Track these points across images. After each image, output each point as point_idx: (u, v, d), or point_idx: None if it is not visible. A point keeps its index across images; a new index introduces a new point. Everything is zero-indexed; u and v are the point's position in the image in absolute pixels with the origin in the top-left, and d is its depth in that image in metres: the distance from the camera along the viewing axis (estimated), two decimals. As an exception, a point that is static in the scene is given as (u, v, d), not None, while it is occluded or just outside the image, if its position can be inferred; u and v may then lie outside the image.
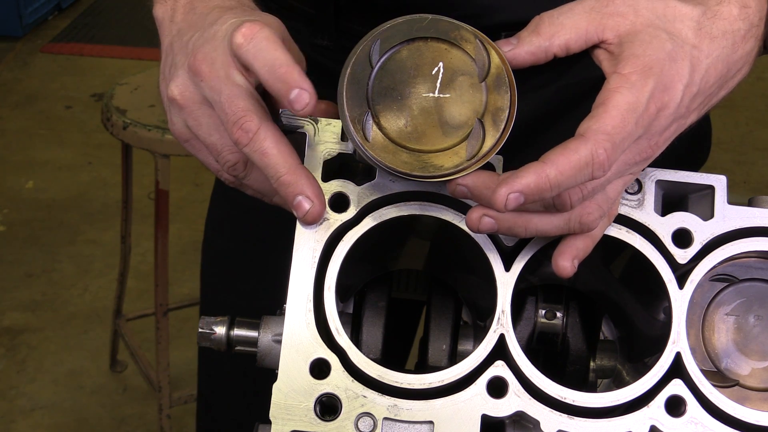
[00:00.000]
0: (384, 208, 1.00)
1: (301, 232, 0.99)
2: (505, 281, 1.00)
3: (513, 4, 1.26)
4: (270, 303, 1.09)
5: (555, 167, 0.88)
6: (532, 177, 0.88)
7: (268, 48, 0.94)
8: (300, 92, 0.92)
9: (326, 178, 1.00)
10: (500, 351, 0.99)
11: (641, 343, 1.11)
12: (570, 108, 1.30)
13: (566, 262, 0.96)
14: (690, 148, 1.08)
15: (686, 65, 0.94)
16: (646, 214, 1.02)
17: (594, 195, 0.94)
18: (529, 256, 1.00)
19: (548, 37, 0.95)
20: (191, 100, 1.01)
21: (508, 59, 0.95)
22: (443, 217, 1.00)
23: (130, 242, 3.29)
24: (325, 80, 1.08)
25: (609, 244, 1.01)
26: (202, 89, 1.00)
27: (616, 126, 0.89)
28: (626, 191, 1.01)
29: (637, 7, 0.95)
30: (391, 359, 1.08)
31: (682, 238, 1.01)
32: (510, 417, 0.98)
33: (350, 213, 1.00)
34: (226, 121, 0.97)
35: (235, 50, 0.96)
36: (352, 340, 0.99)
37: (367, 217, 1.00)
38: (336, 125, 1.00)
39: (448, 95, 0.94)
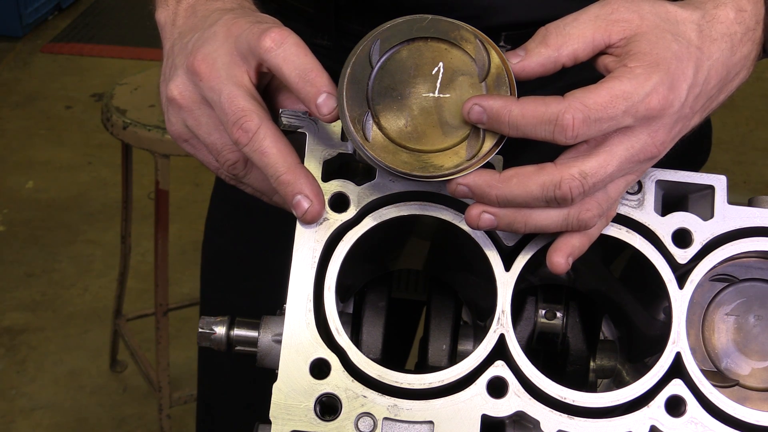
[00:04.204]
0: (384, 208, 1.00)
1: (301, 232, 0.99)
2: (505, 281, 1.00)
3: (512, 6, 1.26)
4: (270, 303, 1.09)
5: (521, 108, 0.91)
6: (498, 102, 0.92)
7: (297, 53, 0.96)
8: (328, 96, 0.95)
9: (326, 178, 1.00)
10: (500, 351, 0.99)
11: (641, 343, 1.11)
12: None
13: (560, 258, 0.96)
14: (690, 148, 1.08)
15: (691, 66, 0.94)
16: (646, 214, 1.02)
17: (595, 192, 0.94)
18: (529, 256, 1.00)
19: (556, 47, 0.95)
20: (191, 99, 1.02)
21: (518, 71, 0.95)
22: (443, 217, 1.00)
23: (130, 242, 3.29)
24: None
25: (609, 244, 1.01)
26: (201, 89, 1.00)
27: (598, 103, 0.90)
28: (626, 191, 1.01)
29: (642, 12, 0.95)
30: (391, 359, 1.08)
31: (682, 238, 1.01)
32: (510, 417, 0.98)
33: (350, 213, 1.00)
34: (226, 121, 0.97)
35: (263, 53, 0.97)
36: (352, 340, 0.99)
37: (367, 217, 1.00)
38: (336, 125, 1.00)
39: (448, 95, 0.94)
